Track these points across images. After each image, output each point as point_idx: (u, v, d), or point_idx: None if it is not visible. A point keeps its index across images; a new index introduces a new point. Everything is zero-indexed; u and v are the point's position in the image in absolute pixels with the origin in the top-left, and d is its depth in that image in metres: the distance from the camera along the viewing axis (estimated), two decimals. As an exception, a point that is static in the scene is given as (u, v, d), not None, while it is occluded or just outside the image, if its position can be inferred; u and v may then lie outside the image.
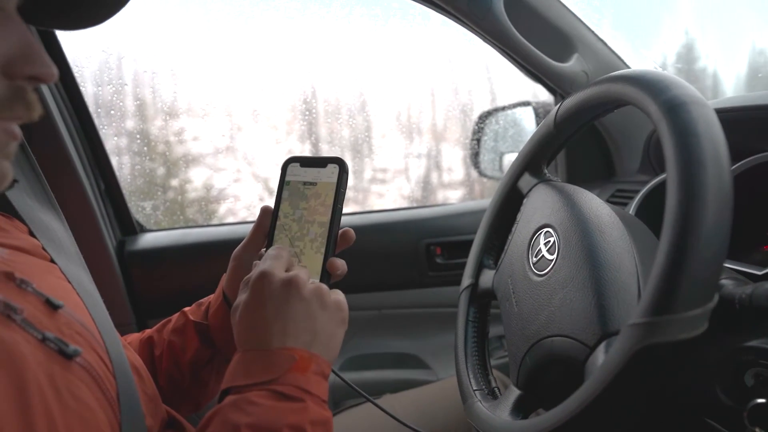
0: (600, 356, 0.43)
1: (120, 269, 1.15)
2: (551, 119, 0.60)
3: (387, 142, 1.62)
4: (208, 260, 1.16)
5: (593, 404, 0.38)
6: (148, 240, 1.20)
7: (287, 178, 0.55)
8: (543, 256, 0.54)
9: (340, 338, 0.49)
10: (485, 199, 1.40)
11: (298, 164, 0.55)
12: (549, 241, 0.55)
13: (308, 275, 0.49)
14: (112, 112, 1.28)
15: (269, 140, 1.55)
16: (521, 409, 0.53)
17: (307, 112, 1.48)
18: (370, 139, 1.56)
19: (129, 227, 1.21)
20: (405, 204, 1.70)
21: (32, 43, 0.34)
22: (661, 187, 0.70)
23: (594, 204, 0.54)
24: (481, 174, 1.37)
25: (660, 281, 0.36)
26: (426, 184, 1.67)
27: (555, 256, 0.53)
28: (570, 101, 0.57)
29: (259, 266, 0.48)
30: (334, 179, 0.54)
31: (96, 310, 0.45)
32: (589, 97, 0.54)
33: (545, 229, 0.56)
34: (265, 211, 0.55)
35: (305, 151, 1.52)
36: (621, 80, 0.47)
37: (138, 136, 1.37)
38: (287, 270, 0.49)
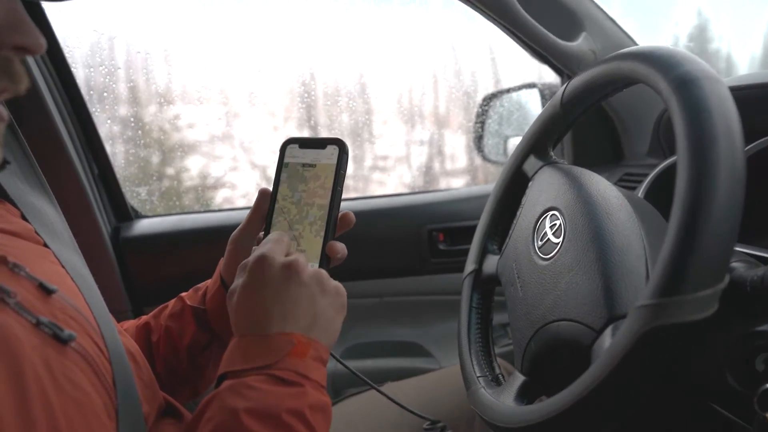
0: (607, 340, 0.42)
1: (115, 256, 1.13)
2: (557, 99, 0.58)
3: (388, 129, 1.60)
4: (205, 246, 1.14)
5: (599, 387, 0.38)
6: (144, 226, 1.19)
7: (286, 160, 0.54)
8: (549, 239, 0.53)
9: (339, 324, 0.48)
10: (489, 184, 1.38)
11: (296, 145, 0.54)
12: (555, 224, 0.53)
13: (307, 260, 0.48)
14: (105, 94, 1.25)
15: (267, 127, 1.53)
16: (526, 395, 0.52)
17: (306, 95, 1.45)
18: (370, 125, 1.54)
19: (124, 213, 1.20)
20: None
21: (20, 12, 0.34)
22: (672, 170, 0.69)
23: (601, 186, 0.52)
24: (485, 158, 1.34)
25: (669, 261, 0.35)
26: (428, 171, 1.65)
27: (561, 239, 0.51)
28: (577, 80, 0.55)
29: (258, 249, 0.47)
30: (334, 161, 0.52)
31: (90, 295, 0.44)
32: (597, 75, 0.52)
33: (551, 212, 0.55)
34: (263, 193, 0.54)
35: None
36: (630, 57, 0.46)
37: (132, 120, 1.35)
38: (287, 255, 0.48)
